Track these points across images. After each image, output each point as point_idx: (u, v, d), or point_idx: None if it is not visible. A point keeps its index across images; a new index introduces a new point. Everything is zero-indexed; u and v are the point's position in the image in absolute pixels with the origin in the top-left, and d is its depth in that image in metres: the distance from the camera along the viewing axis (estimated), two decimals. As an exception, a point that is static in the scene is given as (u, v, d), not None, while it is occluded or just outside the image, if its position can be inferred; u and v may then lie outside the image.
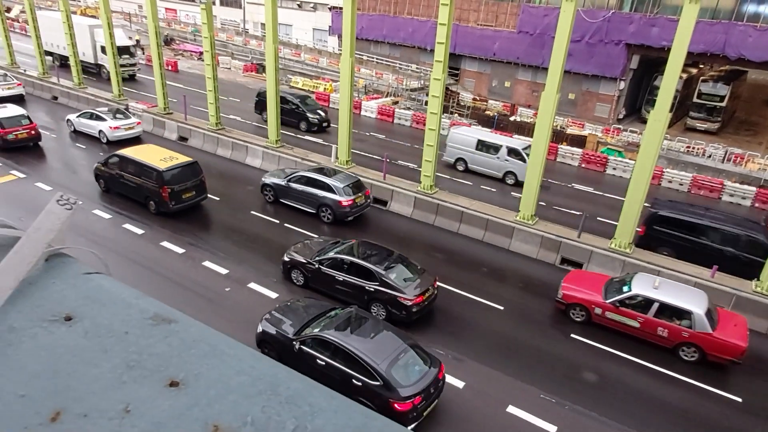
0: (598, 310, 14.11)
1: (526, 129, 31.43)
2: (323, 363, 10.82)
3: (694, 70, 41.98)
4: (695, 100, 36.79)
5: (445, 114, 32.44)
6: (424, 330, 13.72)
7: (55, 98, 31.99)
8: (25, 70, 34.54)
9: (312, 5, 54.38)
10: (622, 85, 37.31)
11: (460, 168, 25.70)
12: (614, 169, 28.23)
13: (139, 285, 12.64)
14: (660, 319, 13.35)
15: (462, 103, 38.45)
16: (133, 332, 0.93)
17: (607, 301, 13.95)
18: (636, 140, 31.80)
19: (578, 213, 20.01)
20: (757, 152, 30.61)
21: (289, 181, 19.66)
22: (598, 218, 20.88)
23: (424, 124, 21.46)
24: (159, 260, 15.83)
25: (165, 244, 16.72)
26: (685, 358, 13.33)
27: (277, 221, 18.97)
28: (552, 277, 16.95)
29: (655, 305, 13.34)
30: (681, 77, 20.91)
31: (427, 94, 30.21)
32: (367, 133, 31.16)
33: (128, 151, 19.37)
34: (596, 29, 36.08)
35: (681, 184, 26.74)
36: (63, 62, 36.57)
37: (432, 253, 17.97)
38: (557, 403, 11.70)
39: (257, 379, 0.86)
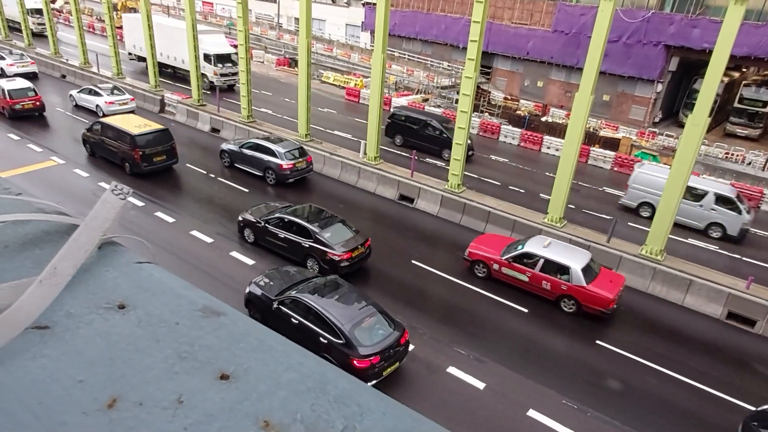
0: (495, 266, 15.73)
1: (557, 130, 30.90)
2: (296, 321, 11.89)
3: (737, 74, 40.52)
4: (736, 105, 35.52)
5: (475, 113, 32.14)
6: (445, 330, 13.68)
7: (63, 76, 34.63)
8: (67, 60, 35.62)
9: (346, 1, 54.52)
10: (660, 87, 36.28)
11: (645, 214, 21.59)
12: (648, 173, 27.50)
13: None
14: (545, 273, 14.83)
15: (493, 102, 38.04)
16: (183, 323, 0.94)
17: (503, 258, 15.45)
18: (672, 144, 30.94)
19: (609, 217, 19.60)
20: (801, 161, 29.38)
21: (241, 147, 22.06)
22: (629, 223, 20.41)
23: (454, 123, 21.31)
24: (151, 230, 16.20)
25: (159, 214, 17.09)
26: (566, 309, 14.88)
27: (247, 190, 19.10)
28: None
29: (541, 261, 14.92)
30: (722, 81, 20.22)
31: (457, 92, 29.96)
32: (396, 130, 31.06)
33: (109, 119, 21.97)
34: (635, 29, 35.15)
35: (718, 192, 25.86)
36: (163, 69, 34.71)
37: (456, 252, 17.85)
38: (579, 409, 11.52)
39: (306, 377, 0.86)
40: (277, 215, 16.08)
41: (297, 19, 45.19)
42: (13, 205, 1.20)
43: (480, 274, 16.02)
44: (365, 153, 22.86)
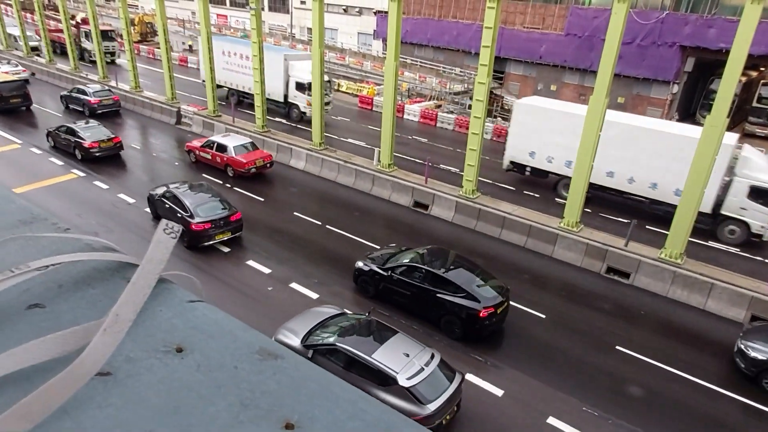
0: (197, 152, 23.42)
1: (572, 133, 30.64)
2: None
3: (755, 73, 39.84)
4: (755, 104, 34.93)
5: (488, 118, 32.06)
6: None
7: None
8: (86, 74, 36.38)
9: (357, 10, 54.94)
10: (676, 88, 35.84)
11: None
12: (666, 175, 27.07)
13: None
14: (217, 152, 22.66)
15: (506, 107, 37.91)
16: (242, 367, 0.90)
17: (199, 146, 23.29)
18: (690, 146, 30.44)
19: (626, 221, 19.37)
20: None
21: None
22: (647, 227, 20.14)
23: (467, 128, 21.29)
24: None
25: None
26: (229, 173, 22.47)
27: (318, 222, 19.24)
28: (597, 286, 16.51)
29: (215, 145, 22.88)
30: (740, 80, 19.90)
31: (470, 98, 29.95)
32: (410, 137, 31.18)
33: None
34: (649, 31, 34.83)
35: (738, 193, 25.35)
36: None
37: (472, 258, 17.77)
38: (600, 417, 11.35)
39: (371, 425, 0.82)
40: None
41: (310, 29, 45.63)
42: (64, 242, 1.19)
43: (192, 159, 23.66)
44: (379, 160, 22.93)
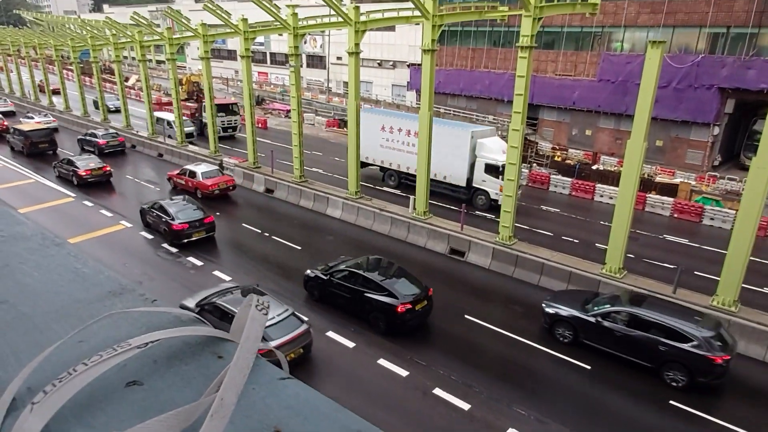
0: (174, 179, 27.82)
1: (610, 178, 30.21)
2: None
3: (801, 113, 38.72)
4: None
5: (524, 164, 32.01)
6: (503, 388, 13.12)
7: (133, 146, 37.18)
8: (137, 131, 38.57)
9: (391, 63, 56.89)
10: (717, 130, 35.09)
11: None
12: (712, 219, 26.20)
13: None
14: (188, 177, 27.75)
15: (541, 153, 37.86)
16: None
17: (176, 173, 28.08)
18: (735, 188, 29.52)
19: (672, 266, 18.65)
20: None
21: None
22: (695, 272, 19.31)
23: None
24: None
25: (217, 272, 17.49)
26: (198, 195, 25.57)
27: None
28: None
29: (188, 171, 27.06)
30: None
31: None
32: (444, 184, 31.29)
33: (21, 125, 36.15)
34: (685, 74, 34.58)
35: (792, 236, 24.18)
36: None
37: (511, 305, 17.37)
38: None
39: None
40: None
41: (346, 83, 47.33)
42: (154, 316, 1.21)
43: (171, 186, 27.36)
44: (414, 208, 23.06)
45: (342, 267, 16.25)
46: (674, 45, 35.65)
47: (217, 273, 18.67)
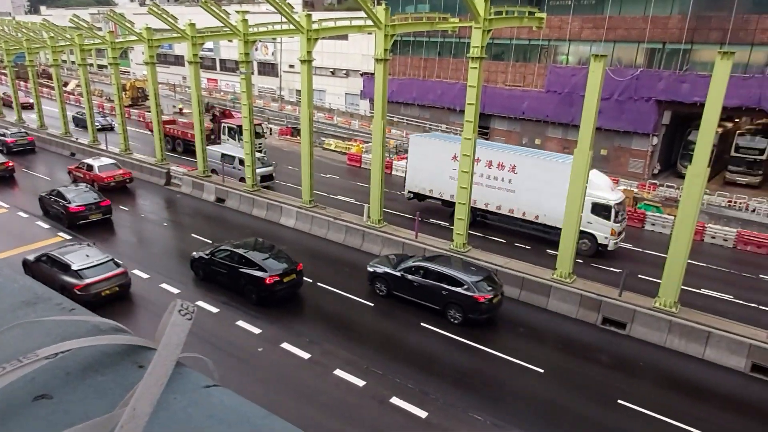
0: (74, 172, 28.36)
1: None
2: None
3: (730, 124, 41.34)
4: (733, 154, 35.99)
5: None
6: (459, 394, 13.15)
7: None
8: (77, 138, 36.72)
9: (344, 72, 56.88)
10: (655, 140, 36.97)
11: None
12: (653, 225, 27.47)
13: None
14: (86, 171, 27.87)
15: (492, 161, 38.61)
16: None
17: (75, 167, 28.60)
18: (673, 195, 31.07)
19: (618, 270, 19.35)
20: (805, 206, 29.36)
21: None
22: (639, 275, 20.12)
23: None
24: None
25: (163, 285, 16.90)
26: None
27: (310, 280, 18.97)
28: (595, 338, 16.24)
29: (86, 165, 28.20)
30: (717, 131, 20.54)
31: (457, 153, 30.50)
32: (399, 192, 31.43)
33: None
34: (625, 87, 36.29)
35: (725, 240, 25.69)
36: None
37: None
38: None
39: None
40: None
41: (299, 91, 46.90)
42: (71, 325, 1.13)
43: (72, 179, 26.44)
44: (369, 216, 22.98)
45: (222, 247, 17.84)
46: (615, 59, 37.38)
47: (137, 272, 17.95)
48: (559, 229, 21.33)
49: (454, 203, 24.03)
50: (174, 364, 0.92)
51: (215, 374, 1.01)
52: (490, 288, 16.33)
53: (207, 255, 17.92)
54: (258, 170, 27.49)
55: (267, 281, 16.32)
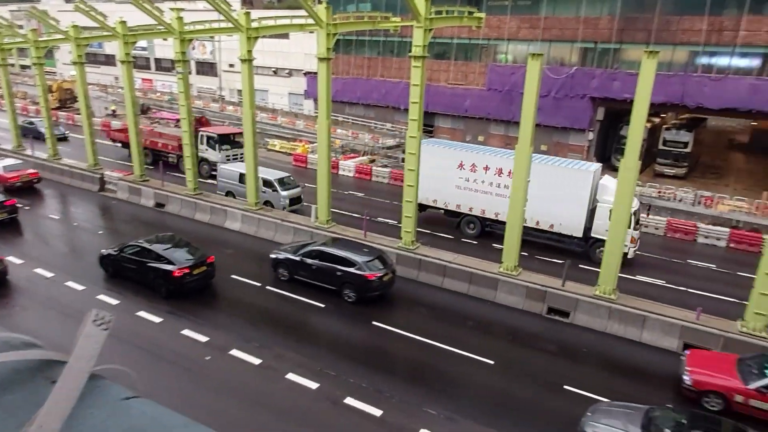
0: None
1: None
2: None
3: (657, 119, 43.91)
4: (661, 147, 38.26)
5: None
6: (413, 390, 13.23)
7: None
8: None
9: (287, 71, 56.05)
10: (591, 135, 38.72)
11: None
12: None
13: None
14: None
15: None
16: None
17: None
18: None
19: (561, 261, 20.07)
20: (725, 194, 31.61)
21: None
22: (580, 266, 20.95)
23: (402, 181, 21.68)
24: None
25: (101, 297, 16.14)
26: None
27: (259, 284, 18.56)
28: (541, 328, 16.77)
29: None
30: (646, 126, 21.68)
31: (403, 152, 30.75)
32: (346, 192, 31.35)
33: None
34: (561, 84, 37.78)
35: (657, 228, 27.25)
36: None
37: (416, 308, 17.67)
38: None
39: None
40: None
41: (240, 91, 45.81)
42: None
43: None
44: (317, 217, 22.74)
45: (131, 243, 17.90)
46: (552, 58, 38.82)
47: (71, 284, 17.03)
48: (577, 238, 22.26)
49: (459, 213, 24.53)
50: (87, 377, 0.85)
51: (137, 385, 0.94)
52: (381, 267, 17.52)
53: (116, 251, 17.98)
54: (285, 193, 25.20)
55: (175, 274, 16.53)
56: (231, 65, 58.17)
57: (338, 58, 45.98)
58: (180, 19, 23.51)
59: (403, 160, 33.58)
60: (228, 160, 31.35)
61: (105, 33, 26.69)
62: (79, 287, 17.56)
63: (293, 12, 23.13)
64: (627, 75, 34.29)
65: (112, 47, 61.82)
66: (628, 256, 21.22)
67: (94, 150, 29.60)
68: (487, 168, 23.44)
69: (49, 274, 18.41)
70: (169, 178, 28.15)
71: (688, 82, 33.99)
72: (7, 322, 14.98)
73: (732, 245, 25.67)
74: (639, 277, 21.06)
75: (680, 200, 30.99)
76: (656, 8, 34.58)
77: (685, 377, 13.42)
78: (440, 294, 18.75)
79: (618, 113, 38.11)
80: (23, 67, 73.91)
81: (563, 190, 21.74)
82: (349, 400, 12.60)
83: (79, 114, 34.02)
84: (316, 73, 23.07)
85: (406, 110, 19.60)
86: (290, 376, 13.40)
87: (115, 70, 64.01)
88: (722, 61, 34.16)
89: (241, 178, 25.30)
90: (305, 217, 23.49)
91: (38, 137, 35.59)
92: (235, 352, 14.31)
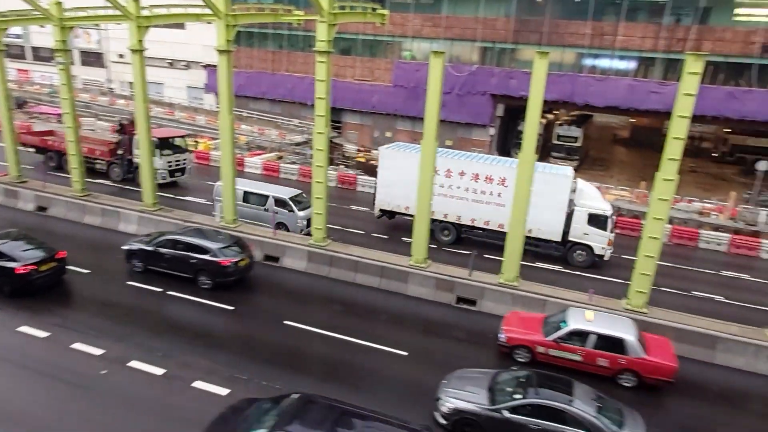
0: None
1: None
2: None
3: (551, 116, 47.08)
4: (554, 141, 41.08)
5: (331, 166, 32.75)
6: (329, 387, 13.08)
7: None
8: None
9: (185, 63, 53.12)
10: (492, 131, 40.64)
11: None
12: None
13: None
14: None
15: (347, 155, 39.21)
16: None
17: None
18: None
19: (467, 252, 20.84)
20: (611, 184, 34.60)
21: None
22: (485, 255, 21.89)
23: (311, 177, 21.34)
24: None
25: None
26: None
27: (160, 289, 17.39)
28: (451, 317, 17.29)
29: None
30: (541, 122, 23.13)
31: (311, 148, 30.35)
32: (253, 190, 30.30)
33: None
34: (464, 82, 39.24)
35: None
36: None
37: (330, 305, 17.50)
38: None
39: None
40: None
41: (131, 84, 42.80)
42: None
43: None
44: (222, 216, 21.76)
45: None
46: (454, 56, 40.18)
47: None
48: (555, 242, 22.64)
49: (435, 220, 22.91)
50: None
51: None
52: (236, 252, 17.67)
53: None
54: (302, 213, 22.49)
55: (18, 270, 15.84)
56: (121, 55, 54.12)
57: (241, 51, 44.38)
58: (59, 4, 21.35)
59: (311, 156, 33.16)
60: (170, 166, 29.07)
61: (-33, 16, 23.57)
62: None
63: (188, 0, 21.85)
64: (522, 74, 36.36)
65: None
66: (604, 258, 22.44)
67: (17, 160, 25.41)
68: (463, 173, 22.98)
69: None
70: (95, 187, 25.41)
71: (576, 82, 36.74)
72: None
73: (617, 231, 28.09)
74: (539, 264, 22.48)
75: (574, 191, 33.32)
76: (547, 12, 36.97)
77: (500, 335, 15.10)
78: (353, 289, 18.72)
79: (516, 110, 40.34)
80: None
81: (542, 195, 20.74)
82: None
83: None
84: (216, 65, 22.01)
85: (313, 106, 19.31)
86: (198, 383, 12.70)
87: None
88: (604, 63, 37.35)
89: (246, 196, 22.82)
90: (209, 217, 22.42)
91: None
92: (135, 364, 13.28)
